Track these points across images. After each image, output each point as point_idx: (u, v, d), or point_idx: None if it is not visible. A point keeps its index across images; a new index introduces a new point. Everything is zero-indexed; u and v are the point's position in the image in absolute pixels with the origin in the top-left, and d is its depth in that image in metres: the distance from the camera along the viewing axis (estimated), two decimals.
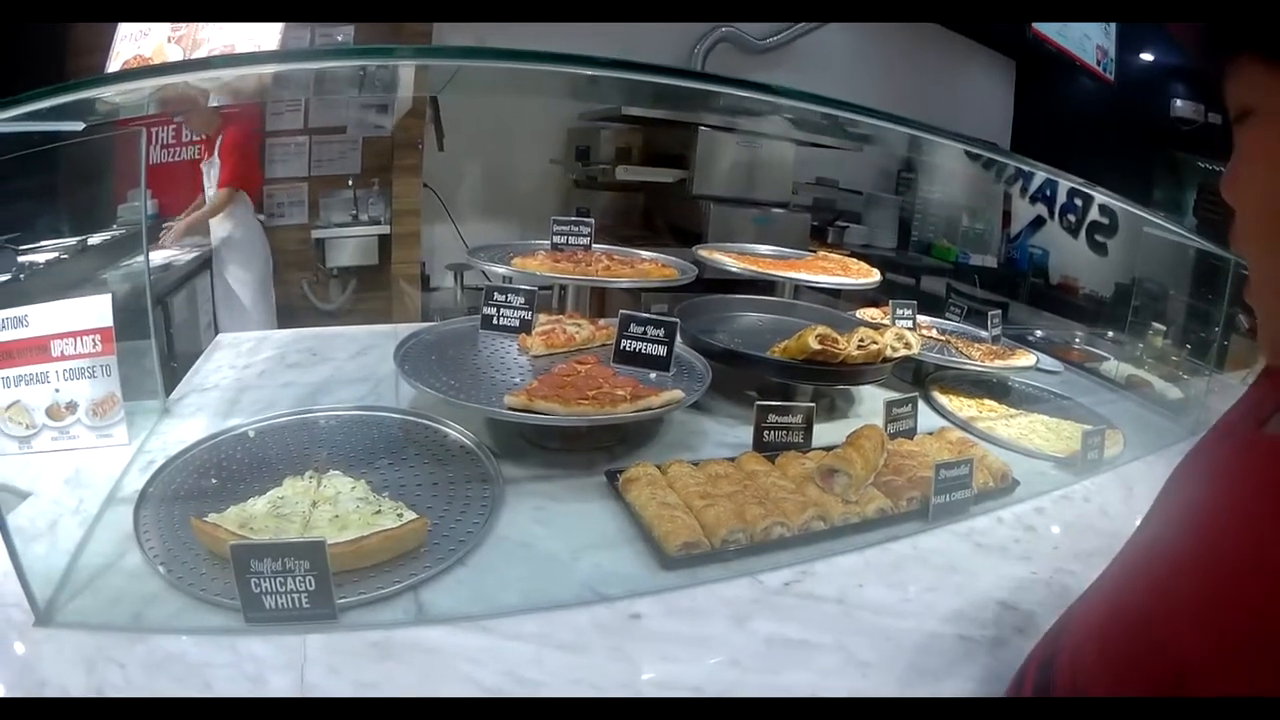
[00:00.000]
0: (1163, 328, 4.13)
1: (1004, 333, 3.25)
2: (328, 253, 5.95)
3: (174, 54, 3.92)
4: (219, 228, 5.34)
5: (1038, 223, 8.66)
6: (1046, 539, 1.88)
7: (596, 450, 1.92)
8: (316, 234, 5.91)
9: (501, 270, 2.49)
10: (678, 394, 1.87)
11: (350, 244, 5.94)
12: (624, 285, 2.59)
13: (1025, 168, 6.43)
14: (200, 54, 3.70)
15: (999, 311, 3.23)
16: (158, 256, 5.02)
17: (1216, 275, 3.51)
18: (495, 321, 2.33)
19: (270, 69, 1.80)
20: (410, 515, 1.45)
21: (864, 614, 1.46)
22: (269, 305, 5.67)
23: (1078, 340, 4.42)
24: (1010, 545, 1.82)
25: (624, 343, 2.11)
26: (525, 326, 2.31)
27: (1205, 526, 0.81)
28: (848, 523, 1.70)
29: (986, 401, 2.74)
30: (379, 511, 1.46)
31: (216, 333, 5.22)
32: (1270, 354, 0.87)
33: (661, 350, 2.09)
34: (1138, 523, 1.02)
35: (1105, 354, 4.13)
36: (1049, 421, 2.65)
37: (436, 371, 1.97)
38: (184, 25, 3.84)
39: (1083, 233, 8.32)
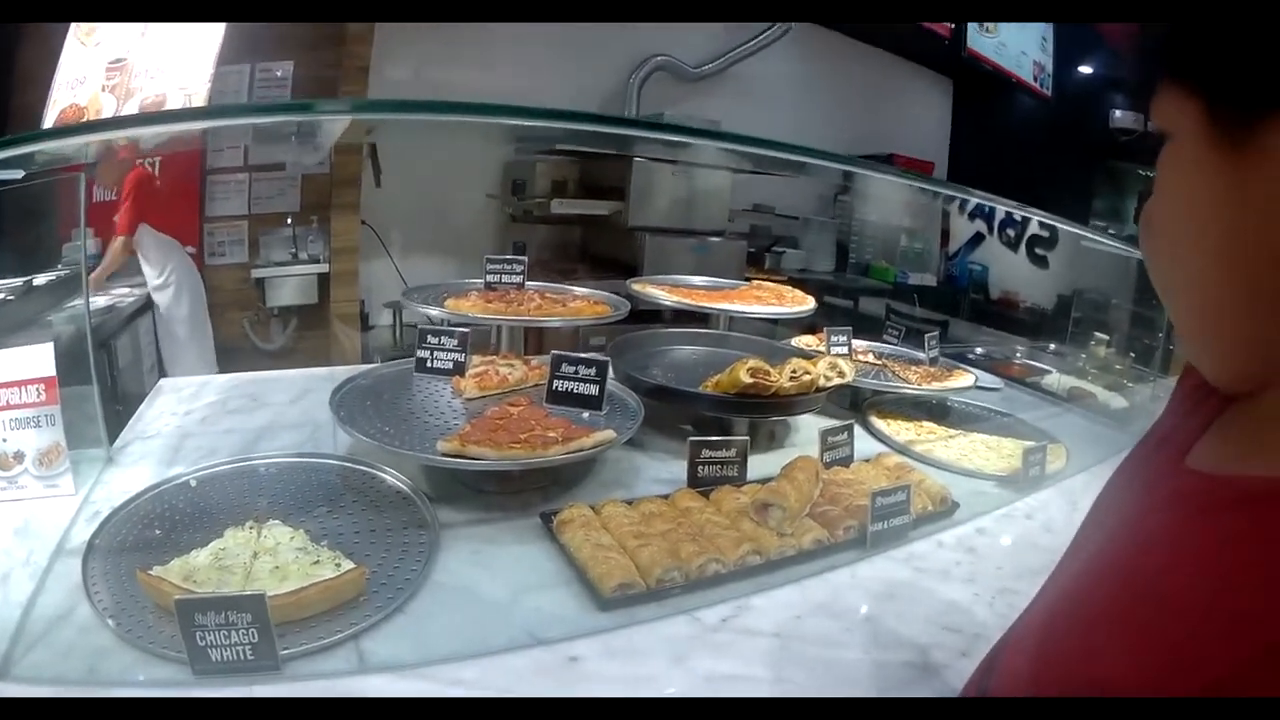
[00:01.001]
0: (1105, 337, 4.17)
1: (944, 351, 3.26)
2: (268, 292, 5.89)
3: (108, 102, 3.91)
4: (150, 269, 5.28)
5: (976, 239, 8.74)
6: (989, 559, 1.90)
7: (531, 491, 1.91)
8: (256, 273, 5.85)
9: (434, 312, 2.48)
10: (609, 434, 1.87)
11: (290, 283, 5.89)
12: (555, 324, 2.59)
13: (957, 194, 6.50)
14: (133, 103, 3.69)
15: (936, 333, 3.24)
16: (101, 299, 5.00)
17: None
18: (429, 364, 2.32)
19: (199, 125, 1.79)
20: (348, 565, 1.44)
21: (803, 646, 1.46)
22: (207, 345, 5.61)
23: (1019, 355, 4.45)
24: (951, 568, 1.83)
25: (556, 383, 2.12)
26: (459, 368, 2.30)
27: (1126, 559, 0.82)
28: (784, 555, 1.69)
29: (925, 423, 2.75)
30: (318, 562, 1.45)
31: (160, 375, 5.23)
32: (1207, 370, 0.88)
33: (593, 389, 2.10)
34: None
35: (1047, 367, 4.17)
36: (989, 440, 2.67)
37: (372, 417, 1.96)
38: (117, 74, 3.83)
39: (1023, 247, 8.39)
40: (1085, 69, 8.71)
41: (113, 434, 2.14)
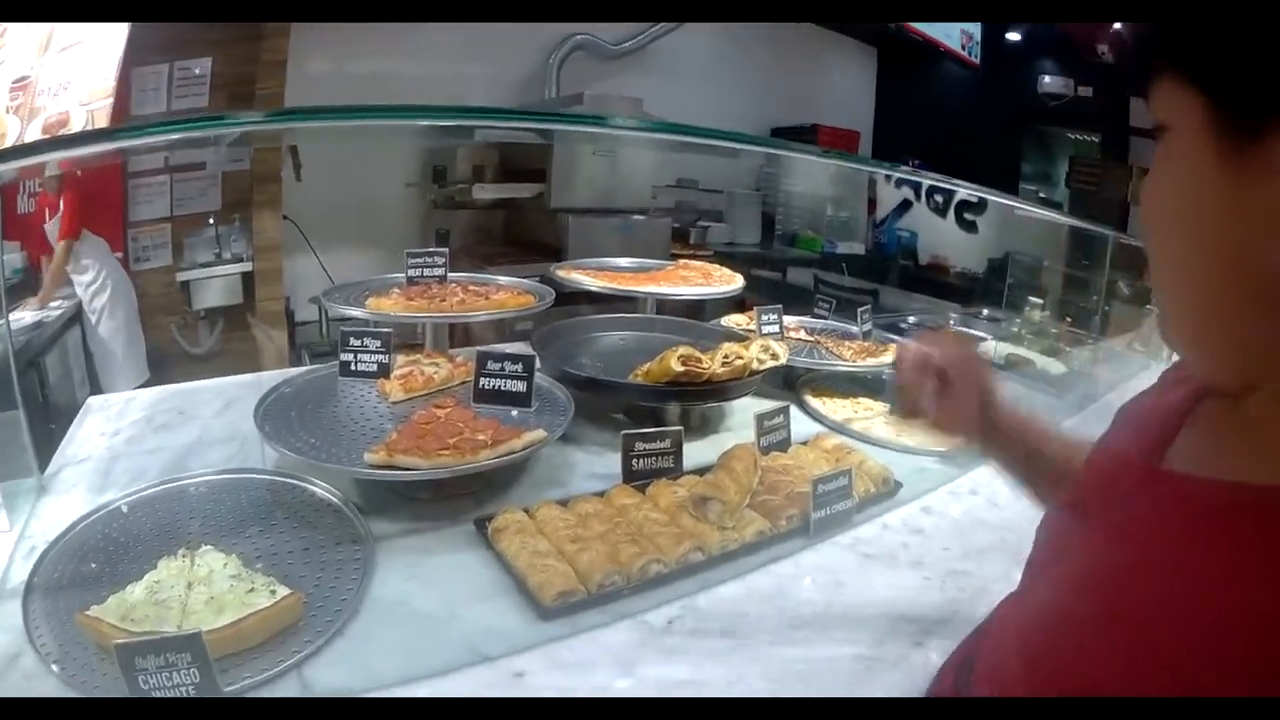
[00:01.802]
0: (1039, 301, 4.19)
1: (876, 322, 3.25)
2: (193, 294, 5.83)
3: (13, 125, 3.80)
4: (81, 277, 5.16)
5: (904, 206, 8.80)
6: (936, 540, 1.88)
7: (463, 496, 1.86)
8: (182, 276, 5.77)
9: (356, 313, 2.42)
10: (540, 434, 1.82)
11: (215, 284, 5.83)
12: (480, 319, 2.54)
13: (879, 170, 6.51)
14: (36, 123, 3.60)
15: (868, 306, 3.23)
16: (29, 315, 4.86)
17: (1093, 243, 3.56)
18: (354, 367, 2.26)
19: (108, 146, 1.71)
20: (283, 591, 1.39)
21: (754, 645, 1.43)
22: (139, 352, 5.52)
23: (952, 322, 4.44)
24: (899, 551, 1.81)
25: (483, 381, 2.07)
26: (384, 370, 2.24)
27: (1111, 567, 0.81)
28: (726, 550, 1.66)
29: (861, 400, 2.73)
30: (252, 589, 1.40)
31: (91, 387, 5.12)
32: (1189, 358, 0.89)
33: (521, 386, 2.05)
34: (1032, 514, 1.01)
35: (982, 334, 4.16)
36: None
37: (297, 429, 1.90)
38: (21, 93, 3.73)
39: (951, 212, 8.46)
40: (1013, 35, 8.77)
41: (45, 458, 2.07)
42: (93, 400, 2.55)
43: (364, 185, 6.11)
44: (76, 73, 3.59)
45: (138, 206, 5.64)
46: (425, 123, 1.75)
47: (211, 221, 5.85)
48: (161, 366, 5.66)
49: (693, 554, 1.62)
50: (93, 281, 5.17)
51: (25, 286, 5.06)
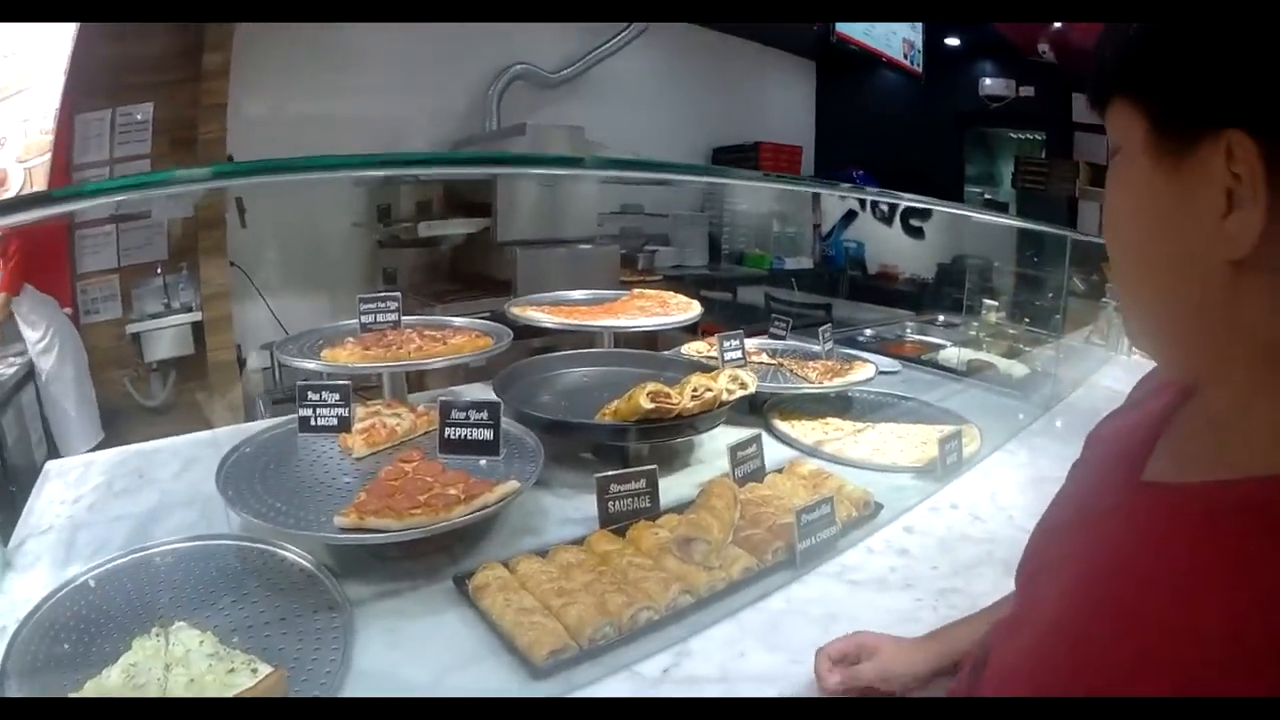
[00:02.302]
0: (994, 303, 4.20)
1: (832, 336, 3.24)
2: (145, 346, 5.69)
3: None
4: (31, 332, 5.04)
5: (849, 216, 8.87)
6: (922, 559, 1.87)
7: (438, 553, 1.81)
8: (132, 328, 5.63)
9: (311, 365, 2.37)
10: (513, 485, 1.77)
11: (166, 335, 5.69)
12: (439, 365, 2.50)
13: (820, 190, 6.56)
14: None
15: (828, 326, 3.22)
16: None
17: (1043, 240, 3.58)
18: (313, 423, 2.19)
19: (69, 208, 1.67)
20: (265, 669, 1.33)
21: (751, 686, 1.40)
22: (92, 408, 5.37)
23: (909, 331, 4.45)
24: (887, 575, 1.80)
25: (448, 431, 2.01)
26: (344, 424, 2.18)
27: (1102, 583, 0.81)
28: (715, 591, 1.63)
29: (830, 420, 2.71)
30: (232, 669, 1.34)
31: (49, 446, 5.01)
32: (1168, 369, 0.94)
33: (488, 434, 2.00)
34: (1015, 524, 0.98)
35: (941, 341, 4.18)
36: (898, 429, 2.65)
37: (261, 494, 1.84)
38: None
39: (897, 219, 8.51)
40: (953, 40, 8.84)
41: (8, 526, 2.02)
42: (50, 465, 2.47)
43: (309, 227, 6.08)
44: (13, 127, 3.52)
45: (84, 258, 5.52)
46: (367, 173, 1.70)
47: (159, 271, 5.73)
48: (116, 422, 5.53)
49: (681, 597, 1.58)
50: (40, 339, 5.05)
51: None
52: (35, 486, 2.32)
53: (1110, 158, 0.86)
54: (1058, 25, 7.71)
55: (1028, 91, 8.49)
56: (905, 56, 8.75)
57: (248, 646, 1.43)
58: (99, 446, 4.94)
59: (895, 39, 8.57)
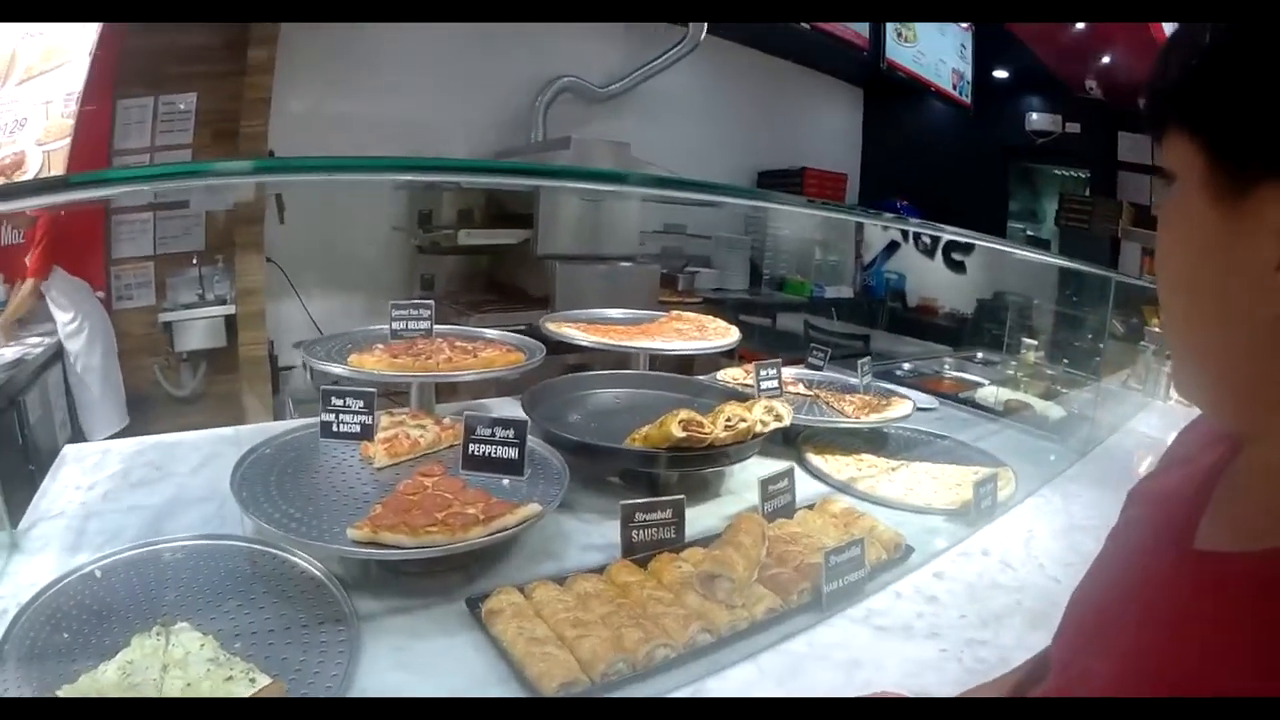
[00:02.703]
0: (1033, 342, 4.15)
1: (871, 368, 3.18)
2: (176, 336, 5.69)
3: None
4: (61, 314, 5.05)
5: (892, 247, 8.79)
6: (951, 607, 1.81)
7: (453, 572, 1.77)
8: (164, 316, 5.64)
9: (337, 370, 2.33)
10: (534, 508, 1.72)
11: (198, 325, 5.69)
12: (467, 379, 2.46)
13: (864, 219, 6.50)
14: None
15: (868, 359, 3.16)
16: (9, 351, 4.76)
17: (1085, 280, 3.52)
18: (335, 428, 2.14)
19: (101, 194, 1.64)
20: (263, 680, 1.30)
21: None
22: (118, 396, 5.40)
23: (947, 366, 4.38)
24: (913, 623, 1.73)
25: (472, 447, 1.95)
26: (367, 432, 2.13)
27: (1154, 657, 0.75)
28: (736, 630, 1.57)
29: (864, 456, 2.65)
30: (230, 677, 1.30)
31: (72, 428, 5.01)
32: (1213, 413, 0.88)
33: (513, 453, 1.93)
34: (1046, 573, 0.92)
35: (979, 379, 4.12)
36: (932, 469, 2.58)
37: (275, 497, 1.81)
38: None
39: (939, 253, 8.44)
40: (1001, 73, 8.77)
41: (21, 504, 2.01)
42: (68, 450, 2.46)
43: (349, 228, 6.07)
44: (34, 109, 3.50)
45: (121, 243, 5.54)
46: (408, 177, 1.66)
47: (195, 262, 5.74)
48: (143, 408, 5.57)
49: (701, 635, 1.52)
50: (70, 321, 5.06)
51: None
52: (51, 470, 2.30)
53: (1164, 187, 0.81)
54: (1106, 61, 7.63)
55: (1074, 128, 8.38)
56: (954, 87, 8.70)
57: (249, 654, 1.39)
58: (123, 432, 4.95)
59: (944, 68, 8.53)
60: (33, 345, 4.92)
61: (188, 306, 5.69)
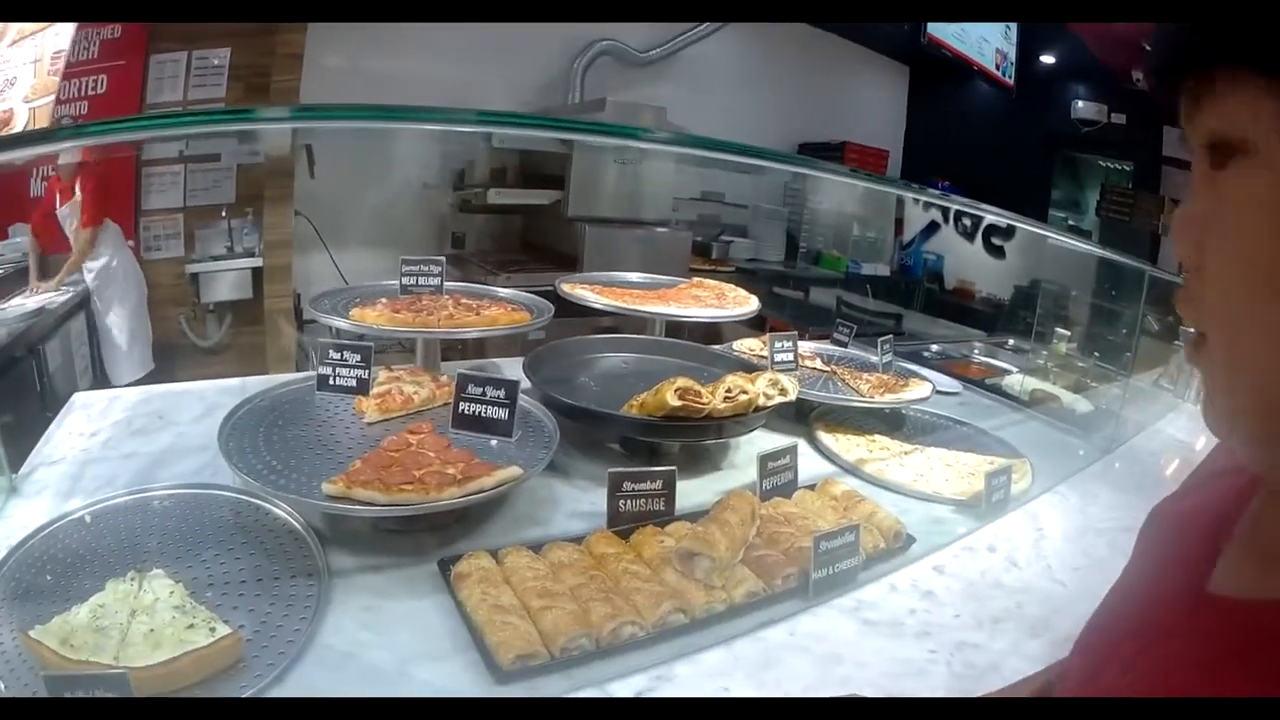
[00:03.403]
0: (1066, 333, 4.07)
1: (897, 348, 3.11)
2: (202, 287, 5.76)
3: None
4: (93, 264, 5.09)
5: (932, 228, 8.70)
6: (946, 605, 1.73)
7: (430, 531, 1.73)
8: (191, 268, 5.71)
9: (338, 324, 2.30)
10: (514, 471, 1.67)
11: (225, 278, 5.77)
12: (466, 336, 2.42)
13: (904, 193, 6.41)
14: None
15: (889, 338, 3.08)
16: (31, 302, 4.81)
17: (1123, 274, 3.44)
18: (331, 381, 2.13)
19: (136, 137, 1.62)
20: (223, 630, 1.29)
21: None
22: (145, 342, 5.46)
23: (977, 351, 4.31)
24: (905, 619, 1.66)
25: (462, 405, 1.92)
26: (363, 386, 2.11)
27: (1155, 679, 0.70)
28: (711, 612, 1.51)
29: (877, 438, 2.57)
30: (192, 625, 1.30)
31: (94, 376, 5.05)
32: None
33: (503, 413, 1.90)
34: (1053, 575, 0.86)
35: (1007, 366, 4.05)
36: (947, 455, 2.51)
37: (261, 449, 1.79)
38: None
39: (979, 236, 8.34)
40: (1047, 58, 8.64)
41: (26, 453, 2.02)
42: (77, 397, 2.47)
43: (380, 184, 6.06)
44: (23, 69, 3.52)
45: (150, 195, 5.61)
46: (438, 126, 1.61)
47: (224, 214, 5.80)
48: (170, 356, 5.66)
49: (673, 615, 1.46)
50: (105, 268, 5.11)
51: (41, 269, 5.04)
52: (58, 417, 2.32)
53: (1214, 156, 0.63)
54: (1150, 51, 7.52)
55: (1119, 119, 8.24)
56: (997, 67, 8.56)
57: (218, 603, 1.40)
58: (146, 379, 4.98)
59: (988, 47, 8.40)
60: (53, 296, 4.94)
61: (215, 258, 5.75)
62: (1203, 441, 3.13)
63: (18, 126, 3.31)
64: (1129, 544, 0.97)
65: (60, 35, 3.47)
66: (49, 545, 1.57)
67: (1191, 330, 0.70)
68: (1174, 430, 3.38)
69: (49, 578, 1.47)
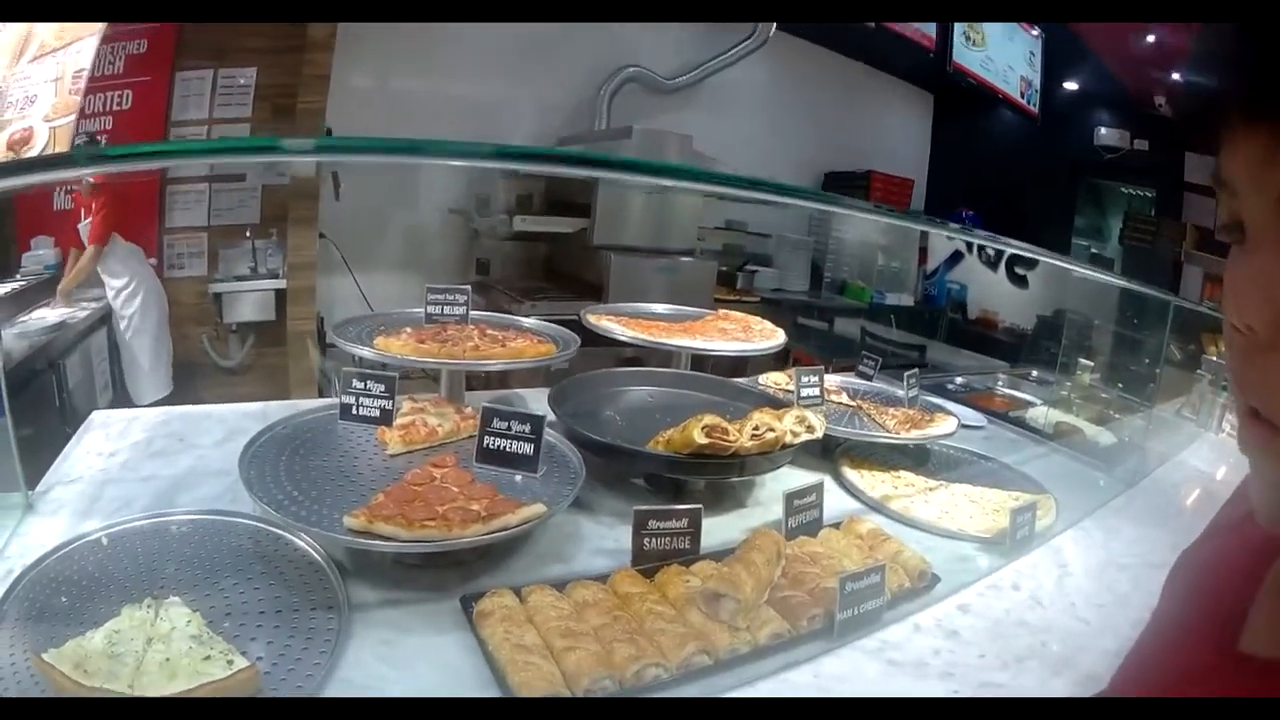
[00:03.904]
0: (1089, 363, 4.06)
1: (921, 380, 3.08)
2: (225, 307, 5.80)
3: None
4: (114, 282, 5.13)
5: (955, 257, 8.70)
6: (971, 645, 1.71)
7: (453, 566, 1.71)
8: (215, 288, 5.74)
9: (362, 353, 2.29)
10: (538, 509, 1.66)
11: (248, 298, 5.80)
12: (491, 368, 2.40)
13: (928, 228, 6.39)
14: (1, 137, 3.50)
15: (915, 371, 3.05)
16: (52, 315, 4.83)
17: (1146, 303, 3.43)
18: (354, 411, 2.10)
19: (157, 165, 1.63)
20: (240, 663, 1.27)
21: None
22: (166, 363, 5.49)
23: (1000, 383, 4.28)
24: (929, 659, 1.63)
25: (486, 440, 1.90)
26: (386, 417, 2.09)
27: None
28: (736, 654, 1.49)
29: (903, 473, 2.55)
30: (209, 657, 1.28)
31: (113, 394, 5.06)
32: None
33: (528, 448, 1.88)
34: (1077, 613, 0.83)
35: (1031, 398, 4.03)
36: (972, 492, 2.48)
37: (283, 479, 1.77)
38: None
39: (1002, 266, 8.33)
40: (1070, 85, 8.64)
41: (43, 469, 2.02)
42: (95, 415, 2.47)
43: (405, 208, 6.13)
44: (44, 87, 3.52)
45: (174, 213, 5.66)
46: (460, 162, 1.62)
47: (248, 235, 5.84)
48: (190, 377, 5.68)
49: (697, 658, 1.45)
50: (125, 287, 5.15)
51: (56, 284, 5.06)
52: (76, 435, 2.31)
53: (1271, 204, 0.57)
54: (1176, 78, 7.51)
55: (1142, 145, 8.23)
56: (1022, 95, 8.58)
57: (236, 633, 1.39)
58: (167, 400, 5.00)
59: (1013, 75, 8.43)
60: (78, 310, 4.98)
61: (239, 279, 5.78)
62: (1223, 471, 3.12)
63: (38, 146, 3.30)
64: (1151, 580, 0.95)
65: (82, 53, 3.47)
66: (64, 566, 1.56)
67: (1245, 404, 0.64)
68: (1197, 461, 3.36)
69: (64, 599, 1.46)
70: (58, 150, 3.26)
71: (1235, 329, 0.61)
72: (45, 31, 3.49)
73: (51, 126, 3.36)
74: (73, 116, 3.36)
